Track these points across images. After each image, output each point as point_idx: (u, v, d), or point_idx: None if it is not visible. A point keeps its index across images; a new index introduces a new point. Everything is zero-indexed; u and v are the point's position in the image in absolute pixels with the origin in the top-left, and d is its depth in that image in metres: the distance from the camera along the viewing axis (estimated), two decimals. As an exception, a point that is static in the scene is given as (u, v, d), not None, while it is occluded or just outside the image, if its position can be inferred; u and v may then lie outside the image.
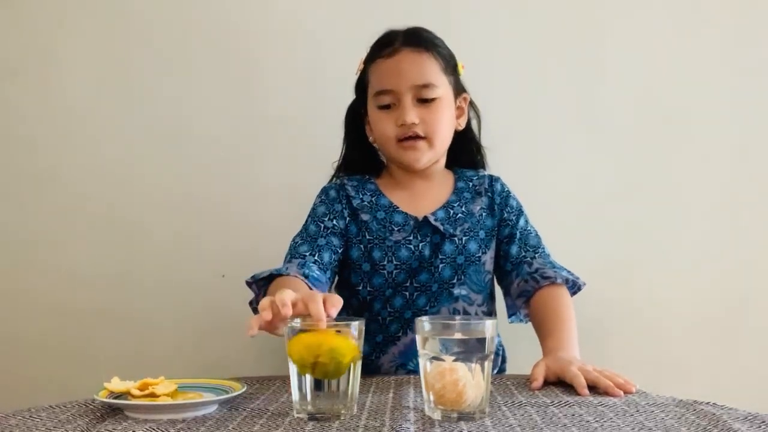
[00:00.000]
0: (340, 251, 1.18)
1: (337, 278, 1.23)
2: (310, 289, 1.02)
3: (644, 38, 1.49)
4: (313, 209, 1.22)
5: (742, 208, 1.49)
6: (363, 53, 1.21)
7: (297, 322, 0.80)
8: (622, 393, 0.88)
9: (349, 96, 1.26)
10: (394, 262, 1.17)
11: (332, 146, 1.29)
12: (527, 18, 1.49)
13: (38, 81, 1.51)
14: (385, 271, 1.17)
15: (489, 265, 1.21)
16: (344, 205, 1.21)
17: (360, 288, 1.19)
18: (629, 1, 1.49)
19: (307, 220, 1.21)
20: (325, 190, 1.24)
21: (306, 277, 1.06)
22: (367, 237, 1.18)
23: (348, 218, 1.20)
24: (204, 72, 1.50)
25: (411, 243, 1.17)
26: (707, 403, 0.83)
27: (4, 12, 1.51)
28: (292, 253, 1.15)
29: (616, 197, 1.49)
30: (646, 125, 1.49)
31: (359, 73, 1.23)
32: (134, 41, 1.50)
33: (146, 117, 1.51)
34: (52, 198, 1.51)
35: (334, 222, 1.19)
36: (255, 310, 1.10)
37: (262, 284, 1.08)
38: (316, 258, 1.14)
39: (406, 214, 1.19)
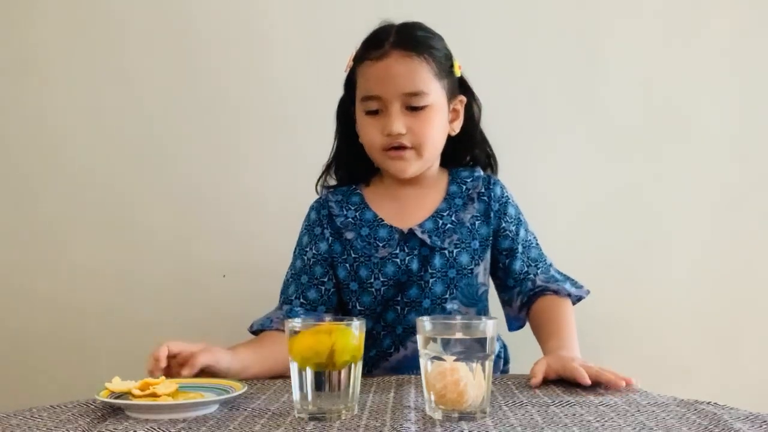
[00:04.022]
0: (326, 279, 1.15)
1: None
2: None
3: (646, 38, 1.48)
4: (300, 238, 1.20)
5: (742, 208, 1.49)
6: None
7: (297, 322, 0.81)
8: (624, 383, 0.89)
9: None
10: (381, 279, 1.12)
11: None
12: (527, 16, 1.49)
13: (37, 81, 1.51)
14: (373, 289, 1.13)
15: (482, 277, 1.15)
16: (325, 226, 1.17)
17: (350, 307, 1.16)
18: (630, 1, 1.49)
19: (295, 250, 1.19)
20: (308, 213, 1.21)
21: None
22: (353, 255, 1.14)
23: (330, 239, 1.16)
24: (204, 72, 1.50)
25: (397, 257, 1.12)
26: (708, 402, 0.83)
27: (3, 13, 1.51)
28: (283, 297, 1.16)
29: (616, 197, 1.49)
30: (647, 126, 1.49)
31: (348, 70, 1.16)
32: (133, 42, 1.50)
33: (147, 117, 1.51)
34: (54, 198, 1.51)
35: (314, 251, 1.16)
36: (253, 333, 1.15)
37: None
38: (301, 300, 1.14)
39: (391, 227, 1.14)
